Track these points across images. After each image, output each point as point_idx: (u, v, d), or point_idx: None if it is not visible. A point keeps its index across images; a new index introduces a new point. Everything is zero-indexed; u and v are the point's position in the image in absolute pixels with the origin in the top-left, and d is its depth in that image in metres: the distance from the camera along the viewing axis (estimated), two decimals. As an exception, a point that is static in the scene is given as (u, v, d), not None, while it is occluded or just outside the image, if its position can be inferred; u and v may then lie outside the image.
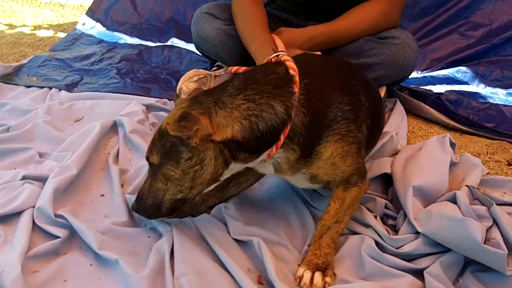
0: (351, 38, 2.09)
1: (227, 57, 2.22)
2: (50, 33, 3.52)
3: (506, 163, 1.85)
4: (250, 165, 1.33)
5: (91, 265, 1.29)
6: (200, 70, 2.23)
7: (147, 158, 1.31)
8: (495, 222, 1.29)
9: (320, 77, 1.38)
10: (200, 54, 2.48)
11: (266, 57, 1.49)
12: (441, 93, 2.34)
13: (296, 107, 1.26)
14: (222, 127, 1.21)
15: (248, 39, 2.01)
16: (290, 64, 1.33)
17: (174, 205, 1.32)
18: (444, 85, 2.54)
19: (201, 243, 1.36)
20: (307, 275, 1.23)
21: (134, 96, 2.27)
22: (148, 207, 1.33)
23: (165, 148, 1.25)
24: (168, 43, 3.10)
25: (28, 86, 2.45)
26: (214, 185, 1.37)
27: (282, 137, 1.26)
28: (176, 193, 1.29)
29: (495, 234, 1.25)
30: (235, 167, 1.31)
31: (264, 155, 1.29)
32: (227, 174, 1.33)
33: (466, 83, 2.55)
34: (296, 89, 1.27)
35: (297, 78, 1.29)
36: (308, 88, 1.30)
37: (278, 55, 1.42)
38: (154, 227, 1.42)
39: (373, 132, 1.51)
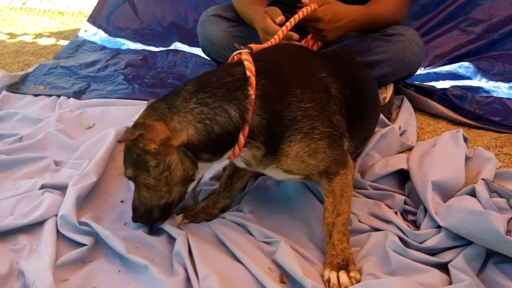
0: (379, 26, 2.11)
1: None
2: (52, 40, 3.52)
3: (516, 155, 1.88)
4: (218, 163, 1.39)
5: (119, 271, 1.30)
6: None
7: (125, 173, 1.38)
8: (515, 214, 1.32)
9: (279, 77, 1.37)
10: (208, 58, 2.50)
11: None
12: (446, 89, 2.37)
13: (252, 110, 1.28)
14: (178, 131, 1.25)
15: (254, 16, 1.98)
16: (248, 64, 1.33)
17: (163, 210, 1.40)
18: (448, 80, 2.56)
19: (218, 245, 1.38)
20: (333, 276, 1.25)
21: (143, 102, 2.28)
22: (143, 215, 1.41)
23: (133, 160, 1.31)
24: (172, 47, 3.10)
25: (36, 95, 2.45)
26: (194, 183, 1.41)
27: (241, 139, 1.29)
28: (159, 198, 1.36)
29: (516, 225, 1.28)
30: (204, 166, 1.36)
31: (228, 154, 1.34)
32: (200, 172, 1.38)
33: (469, 78, 2.58)
34: (252, 91, 1.29)
35: (253, 80, 1.30)
36: (265, 90, 1.31)
37: (240, 53, 1.42)
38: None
39: (353, 121, 1.49)
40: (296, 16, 1.71)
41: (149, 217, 1.41)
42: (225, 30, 2.21)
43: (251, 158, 1.36)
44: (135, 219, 1.44)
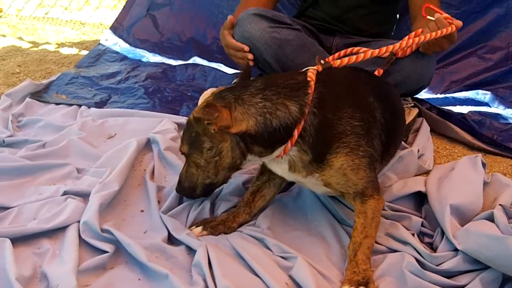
0: None
1: (270, 58, 2.21)
2: (74, 50, 3.58)
3: (531, 183, 1.89)
4: (266, 159, 1.47)
5: (139, 279, 1.32)
6: (215, 88, 2.28)
7: (180, 148, 1.52)
8: (532, 241, 1.33)
9: (335, 92, 1.48)
10: (228, 73, 2.53)
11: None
12: (464, 114, 2.39)
13: (310, 105, 1.38)
14: (238, 121, 1.35)
15: None
16: (310, 74, 1.46)
17: (206, 189, 1.53)
18: (465, 106, 2.59)
19: (237, 258, 1.40)
20: None
21: (164, 114, 2.31)
22: (186, 189, 1.55)
23: (191, 138, 1.44)
24: (190, 61, 3.15)
25: (58, 103, 2.49)
26: (237, 171, 1.53)
27: (296, 133, 1.38)
28: (205, 178, 1.49)
29: (533, 252, 1.29)
30: (252, 159, 1.45)
31: (279, 151, 1.42)
32: (247, 164, 1.48)
33: (487, 104, 2.60)
34: (311, 91, 1.40)
35: (312, 84, 1.42)
36: (322, 97, 1.42)
37: (309, 69, 1.52)
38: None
39: (388, 147, 1.59)
40: (433, 33, 1.82)
41: (192, 192, 1.54)
42: (263, 29, 2.21)
43: (299, 160, 1.43)
44: (178, 190, 1.58)
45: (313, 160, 1.42)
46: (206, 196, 1.60)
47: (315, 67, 1.54)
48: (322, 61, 1.60)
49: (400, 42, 1.91)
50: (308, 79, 1.43)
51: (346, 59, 1.70)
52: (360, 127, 1.43)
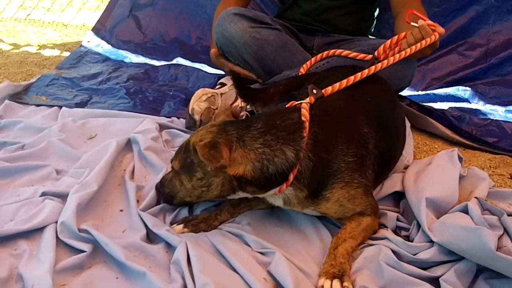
0: None
1: (250, 58, 2.25)
2: (55, 52, 3.56)
3: (509, 176, 1.92)
4: (260, 196, 1.50)
5: (117, 278, 1.32)
6: (207, 89, 2.28)
7: (171, 161, 1.54)
8: (506, 231, 1.36)
9: (329, 130, 1.51)
10: (211, 73, 2.54)
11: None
12: (444, 110, 2.41)
13: (305, 149, 1.41)
14: (237, 163, 1.37)
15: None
16: (304, 112, 1.48)
17: (183, 203, 1.57)
18: (446, 102, 2.62)
19: (216, 255, 1.40)
20: (327, 284, 1.28)
21: (145, 115, 2.30)
22: (165, 194, 1.58)
23: (185, 161, 1.46)
24: (173, 62, 3.14)
25: (38, 105, 2.47)
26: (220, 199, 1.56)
27: (291, 177, 1.41)
28: (185, 196, 1.52)
29: (506, 242, 1.32)
30: (242, 194, 1.47)
31: (273, 191, 1.45)
32: (235, 197, 1.50)
33: (467, 100, 2.63)
34: (306, 133, 1.42)
35: (307, 124, 1.44)
36: (316, 138, 1.45)
37: (301, 103, 1.55)
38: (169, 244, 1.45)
39: (380, 174, 1.63)
40: (418, 45, 1.86)
41: (170, 199, 1.57)
42: (244, 29, 2.22)
43: (293, 197, 1.47)
44: (157, 191, 1.62)
45: (308, 196, 1.47)
46: (181, 207, 1.61)
47: (307, 100, 1.56)
48: (314, 91, 1.62)
49: (384, 44, 1.94)
50: (303, 118, 1.45)
51: (337, 85, 1.69)
52: (353, 162, 1.48)
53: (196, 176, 1.43)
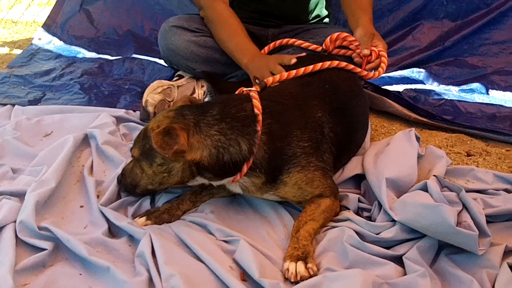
0: None
1: (198, 67, 2.27)
2: (6, 50, 3.46)
3: (465, 154, 1.97)
4: (216, 183, 1.53)
5: (80, 274, 1.30)
6: (163, 81, 2.27)
7: (131, 149, 1.55)
8: (465, 207, 1.39)
9: (282, 118, 1.54)
10: (167, 66, 2.52)
11: (259, 70, 1.81)
12: (400, 91, 2.44)
13: (259, 144, 1.45)
14: (194, 149, 1.40)
15: (236, 51, 2.10)
16: (256, 103, 1.50)
17: (146, 192, 1.58)
18: (401, 84, 2.65)
19: (181, 245, 1.40)
20: (292, 266, 1.29)
21: (103, 108, 2.27)
22: (127, 185, 1.58)
23: (144, 148, 1.47)
24: (128, 55, 3.09)
25: (-11, 105, 2.40)
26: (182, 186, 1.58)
27: (244, 169, 1.46)
28: (147, 184, 1.52)
29: (466, 217, 1.35)
30: (201, 180, 1.51)
31: (229, 179, 1.49)
32: (195, 183, 1.53)
33: (421, 82, 2.68)
34: (259, 128, 1.46)
35: (260, 118, 1.47)
36: (270, 128, 1.49)
37: (250, 90, 1.58)
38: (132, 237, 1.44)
39: (340, 158, 1.67)
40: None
41: (132, 189, 1.58)
42: (188, 40, 2.24)
43: (250, 184, 1.51)
44: (120, 183, 1.61)
45: (266, 182, 1.50)
46: (144, 196, 1.62)
47: (254, 89, 1.59)
48: (257, 81, 1.67)
49: (330, 37, 2.02)
50: (256, 111, 1.48)
51: (285, 74, 1.75)
52: (309, 146, 1.52)
53: (156, 162, 1.44)
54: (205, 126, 1.42)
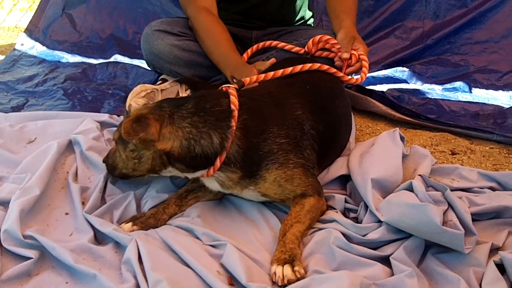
0: None
1: (182, 70, 2.27)
2: (-13, 56, 3.43)
3: (450, 152, 1.98)
4: (190, 176, 1.56)
5: (66, 283, 1.29)
6: (147, 85, 2.27)
7: (114, 133, 1.65)
8: (450, 206, 1.40)
9: (259, 115, 1.56)
10: (150, 69, 2.51)
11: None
12: (383, 91, 2.46)
13: (232, 140, 1.46)
14: (165, 139, 1.44)
15: (220, 62, 2.13)
16: (233, 99, 1.52)
17: (122, 175, 1.63)
18: (385, 84, 2.67)
19: (167, 250, 1.39)
20: (279, 270, 1.29)
21: (86, 113, 2.25)
22: (109, 165, 1.67)
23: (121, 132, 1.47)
24: (112, 59, 3.07)
25: (-29, 112, 2.37)
26: (156, 175, 1.62)
27: (217, 163, 1.47)
28: (123, 167, 1.59)
29: (451, 216, 1.36)
30: (173, 172, 1.54)
31: (202, 172, 1.51)
32: (167, 173, 1.57)
33: (405, 81, 2.70)
34: (233, 123, 1.47)
35: (235, 113, 1.49)
36: (246, 124, 1.50)
37: (229, 87, 1.60)
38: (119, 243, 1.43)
39: (324, 154, 1.67)
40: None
41: (112, 170, 1.65)
42: (171, 44, 2.24)
43: (226, 179, 1.52)
44: (104, 163, 1.70)
45: (244, 176, 1.51)
46: (123, 180, 1.68)
47: (233, 86, 1.60)
48: (235, 80, 1.70)
49: (312, 39, 2.05)
50: (232, 107, 1.49)
51: (262, 76, 1.79)
52: (286, 143, 1.52)
53: (129, 148, 1.51)
54: (178, 118, 1.46)
